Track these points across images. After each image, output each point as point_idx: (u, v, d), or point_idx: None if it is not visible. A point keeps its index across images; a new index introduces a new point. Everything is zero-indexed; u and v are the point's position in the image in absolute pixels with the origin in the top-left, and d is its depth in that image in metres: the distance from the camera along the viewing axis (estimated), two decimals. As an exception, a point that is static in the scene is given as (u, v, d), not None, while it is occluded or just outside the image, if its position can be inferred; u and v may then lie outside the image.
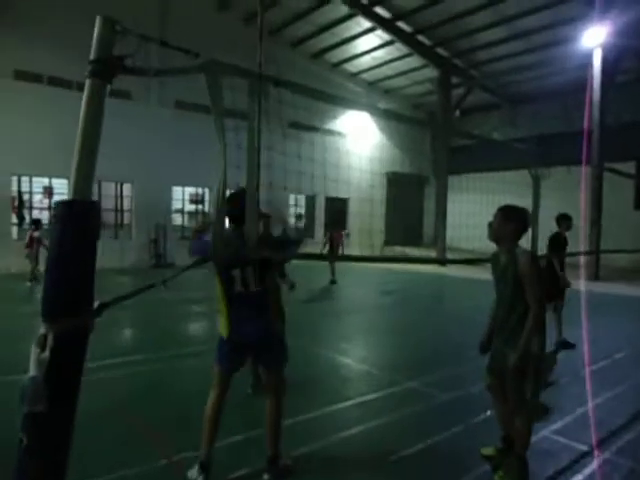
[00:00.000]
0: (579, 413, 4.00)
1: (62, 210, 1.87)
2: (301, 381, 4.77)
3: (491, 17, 15.44)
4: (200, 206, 18.18)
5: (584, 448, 3.35)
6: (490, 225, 3.13)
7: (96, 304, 1.91)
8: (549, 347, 5.36)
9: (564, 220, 6.27)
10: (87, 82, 1.87)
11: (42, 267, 8.94)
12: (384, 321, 8.28)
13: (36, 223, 11.48)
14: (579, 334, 6.36)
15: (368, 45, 18.41)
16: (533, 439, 3.51)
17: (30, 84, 13.52)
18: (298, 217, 20.96)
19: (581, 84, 14.44)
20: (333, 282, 11.95)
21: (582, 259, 12.46)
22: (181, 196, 17.45)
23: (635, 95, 16.25)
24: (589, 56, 13.56)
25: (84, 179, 1.87)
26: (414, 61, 18.93)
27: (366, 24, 16.71)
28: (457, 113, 21.58)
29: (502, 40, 16.77)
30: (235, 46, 11.66)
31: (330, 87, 19.25)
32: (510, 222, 2.92)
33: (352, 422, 3.79)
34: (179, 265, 13.36)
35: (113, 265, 13.78)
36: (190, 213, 18.16)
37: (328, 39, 18.19)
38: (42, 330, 1.80)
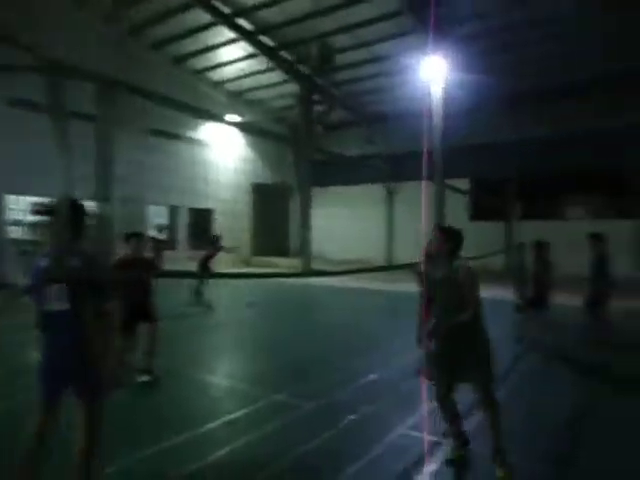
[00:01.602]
0: (430, 407, 4.38)
1: None
2: (165, 405, 4.49)
3: (348, 40, 16.49)
4: (45, 217, 16.11)
5: (434, 439, 3.67)
6: (430, 241, 3.53)
7: None
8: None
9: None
10: None
11: None
12: (251, 334, 8.19)
13: None
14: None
15: (232, 55, 18.32)
16: (390, 437, 3.76)
17: None
18: (159, 229, 19.87)
19: (428, 108, 16.12)
20: (207, 305, 10.47)
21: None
22: (21, 206, 15.28)
23: (470, 121, 18.66)
24: (431, 83, 15.23)
25: None
26: (277, 75, 19.34)
27: (230, 34, 16.63)
28: (320, 128, 22.56)
29: (358, 63, 18.01)
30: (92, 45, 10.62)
31: (193, 95, 18.68)
32: (449, 241, 3.42)
33: (220, 443, 3.65)
34: (17, 285, 11.67)
35: None
36: (33, 225, 16.01)
37: (191, 44, 17.69)
38: None
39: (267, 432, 3.86)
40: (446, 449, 3.46)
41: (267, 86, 20.62)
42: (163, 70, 17.79)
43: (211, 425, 4.01)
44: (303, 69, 18.99)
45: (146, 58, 16.57)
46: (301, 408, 4.39)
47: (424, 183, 13.87)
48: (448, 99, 15.28)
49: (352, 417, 4.15)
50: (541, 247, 7.38)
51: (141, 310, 4.99)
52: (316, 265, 17.67)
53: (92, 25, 15.16)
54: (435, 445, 3.61)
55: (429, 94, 15.04)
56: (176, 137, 18.19)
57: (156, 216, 19.66)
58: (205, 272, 10.52)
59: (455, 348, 3.26)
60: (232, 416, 4.20)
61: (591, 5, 12.98)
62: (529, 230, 17.90)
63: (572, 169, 17.41)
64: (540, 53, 15.88)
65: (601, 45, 14.78)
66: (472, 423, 3.76)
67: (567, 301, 8.34)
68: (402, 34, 15.46)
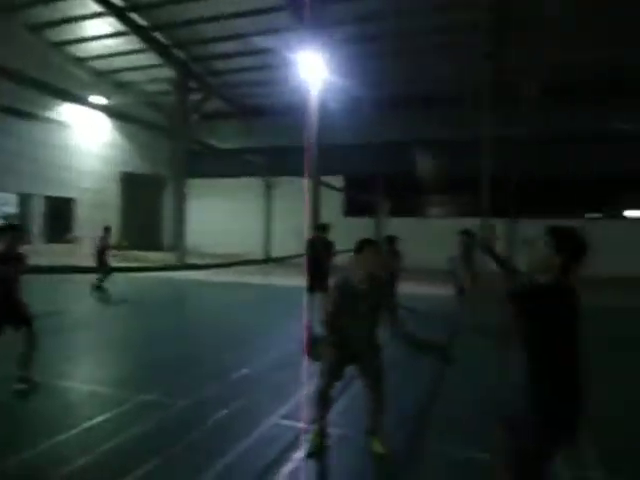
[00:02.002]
0: (301, 397, 4.53)
1: None
2: (17, 414, 4.01)
3: (224, 30, 16.13)
4: None
5: (303, 426, 3.80)
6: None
7: None
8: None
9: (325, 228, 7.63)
10: None
11: None
12: (117, 333, 7.64)
13: None
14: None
15: (98, 30, 16.79)
16: (262, 428, 3.82)
17: None
18: (5, 218, 17.52)
19: (305, 105, 16.49)
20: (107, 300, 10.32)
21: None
22: None
23: (344, 120, 19.48)
24: (310, 82, 15.61)
25: None
26: (150, 58, 18.21)
27: (95, 7, 15.21)
28: (196, 117, 21.79)
29: (236, 54, 17.74)
30: None
31: (51, 69, 16.74)
32: (360, 254, 3.33)
33: (76, 453, 3.35)
34: None
35: None
36: None
37: (47, 12, 15.79)
38: None
39: (134, 434, 3.65)
40: (311, 438, 3.54)
41: (139, 68, 19.32)
42: (17, 38, 15.66)
43: (73, 432, 3.67)
44: (178, 54, 18.16)
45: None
46: (171, 407, 4.22)
47: (303, 178, 14.21)
48: (325, 98, 15.82)
49: (224, 412, 4.12)
50: (391, 241, 8.20)
51: (10, 311, 4.41)
52: (191, 260, 17.09)
53: None
54: (306, 432, 3.74)
55: (307, 91, 15.41)
56: (30, 116, 16.15)
57: (2, 204, 17.30)
58: (103, 266, 10.44)
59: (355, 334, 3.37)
60: (94, 421, 3.88)
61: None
62: (397, 226, 19.37)
63: (434, 172, 19.17)
64: (402, 62, 17.10)
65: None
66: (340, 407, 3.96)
67: (436, 291, 9.15)
68: (282, 29, 15.58)
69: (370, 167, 20.35)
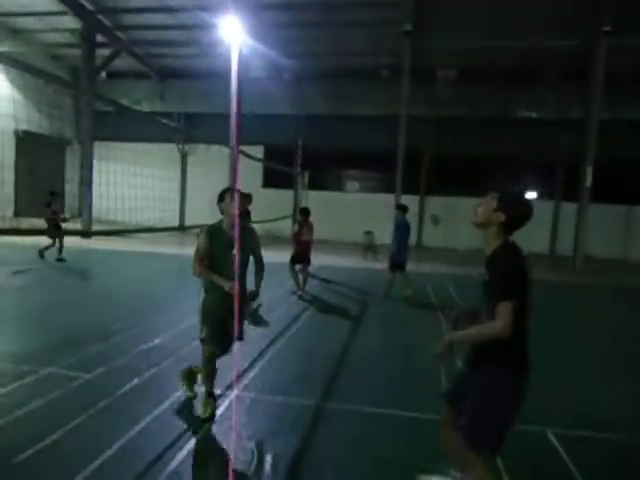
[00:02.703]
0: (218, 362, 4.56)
1: None
2: None
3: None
4: None
5: (217, 391, 3.85)
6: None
7: None
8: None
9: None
10: None
11: None
12: (18, 305, 7.08)
13: None
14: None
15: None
16: (175, 395, 3.81)
17: None
18: None
19: (224, 71, 15.90)
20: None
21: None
22: None
23: (264, 90, 19.09)
24: (230, 47, 15.05)
25: None
26: (51, 3, 16.38)
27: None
28: (103, 75, 20.15)
29: (149, 9, 16.51)
30: None
31: None
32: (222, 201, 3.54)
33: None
34: None
35: None
36: None
37: None
38: None
39: (34, 407, 3.48)
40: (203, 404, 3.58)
41: (38, 14, 17.29)
42: None
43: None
44: (85, 3, 16.55)
45: None
46: (77, 379, 4.06)
47: (221, 146, 13.83)
48: (245, 65, 15.36)
49: (134, 382, 4.04)
50: (304, 212, 8.56)
51: None
52: (98, 228, 16.05)
53: None
54: (218, 397, 3.79)
55: (227, 56, 14.85)
56: None
57: None
58: (58, 231, 10.35)
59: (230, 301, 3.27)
60: (-14, 397, 3.64)
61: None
62: (315, 199, 19.60)
63: (352, 147, 19.52)
64: (324, 34, 17.02)
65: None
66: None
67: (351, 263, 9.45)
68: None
69: (290, 139, 20.26)
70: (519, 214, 2.24)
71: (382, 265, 12.59)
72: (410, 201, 16.19)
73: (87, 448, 3.00)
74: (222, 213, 3.56)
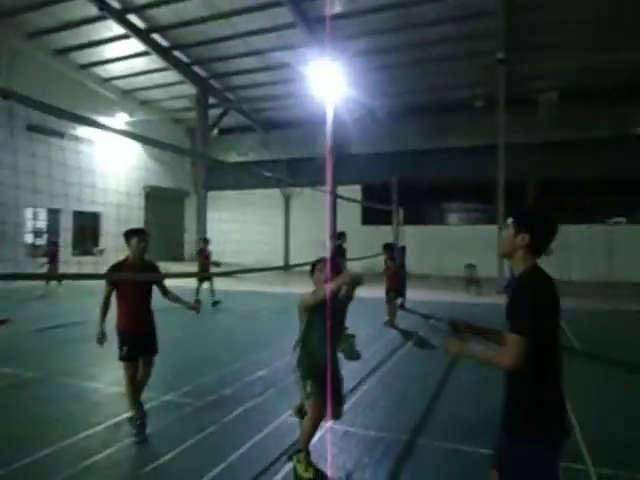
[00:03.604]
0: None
1: None
2: (37, 415, 4.35)
3: (243, 47, 16.69)
4: None
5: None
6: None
7: None
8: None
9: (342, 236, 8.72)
10: None
11: None
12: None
13: None
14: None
15: (122, 52, 17.54)
16: (274, 424, 4.06)
17: None
18: (37, 234, 18.33)
19: (321, 117, 16.91)
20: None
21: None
22: None
23: (359, 131, 19.79)
24: (325, 94, 16.01)
25: None
26: (172, 75, 18.89)
27: (119, 30, 15.94)
28: (215, 132, 22.39)
29: (254, 70, 18.29)
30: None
31: (78, 91, 17.57)
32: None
33: (99, 447, 3.65)
34: None
35: None
36: None
37: (74, 37, 16.61)
38: None
39: (154, 430, 3.94)
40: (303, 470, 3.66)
41: (161, 86, 20.03)
42: (41, 62, 16.48)
43: (98, 428, 4.00)
44: (199, 71, 18.80)
45: (20, 47, 15.25)
46: (189, 406, 4.51)
47: (320, 189, 14.49)
48: (340, 109, 16.17)
49: (239, 410, 4.38)
50: (389, 248, 8.98)
51: None
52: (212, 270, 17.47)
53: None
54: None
55: (323, 104, 15.79)
56: (56, 134, 16.91)
57: (34, 220, 18.10)
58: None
59: None
60: (117, 419, 4.20)
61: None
62: (413, 233, 19.45)
63: (450, 180, 19.23)
64: (416, 72, 17.36)
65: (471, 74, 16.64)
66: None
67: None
68: (297, 45, 16.02)
69: (385, 176, 20.51)
70: (544, 230, 2.01)
71: (488, 299, 12.04)
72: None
73: (195, 467, 3.34)
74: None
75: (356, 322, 9.02)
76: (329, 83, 15.35)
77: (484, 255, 14.02)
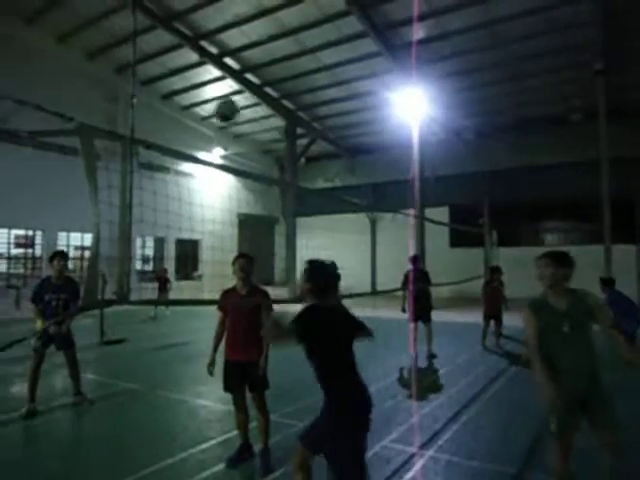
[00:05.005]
0: (410, 422, 4.75)
1: None
2: (156, 427, 4.76)
3: (328, 79, 17.37)
4: (30, 250, 16.34)
5: (413, 450, 4.03)
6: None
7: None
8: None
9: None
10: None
11: None
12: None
13: None
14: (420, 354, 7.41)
15: (218, 92, 19.03)
16: (375, 449, 4.11)
17: None
18: (145, 260, 20.11)
19: (405, 140, 16.99)
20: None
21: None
22: (5, 239, 15.53)
23: (445, 152, 19.54)
24: (410, 118, 16.09)
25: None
26: (262, 110, 20.08)
27: (216, 72, 17.36)
28: (303, 160, 23.26)
29: (339, 99, 18.89)
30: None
31: (181, 129, 19.31)
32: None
33: (216, 460, 3.94)
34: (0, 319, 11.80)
35: None
36: (17, 258, 16.17)
37: (178, 82, 18.39)
38: None
39: (260, 448, 4.17)
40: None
41: (253, 120, 21.33)
42: (151, 107, 18.37)
43: (212, 442, 4.32)
44: (287, 104, 19.78)
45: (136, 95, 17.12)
46: (292, 427, 4.70)
47: (406, 213, 14.45)
48: (426, 131, 16.13)
49: (339, 433, 4.49)
50: (494, 271, 8.70)
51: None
52: (302, 293, 17.95)
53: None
54: (414, 455, 3.96)
55: (408, 127, 15.86)
56: (162, 169, 18.62)
57: (142, 248, 19.90)
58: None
59: None
60: (228, 435, 4.50)
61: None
62: (507, 255, 18.59)
63: (545, 199, 18.23)
64: (506, 89, 16.87)
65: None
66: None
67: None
68: (381, 72, 16.33)
69: (475, 196, 19.94)
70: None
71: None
72: (623, 252, 14.16)
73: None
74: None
75: (452, 348, 8.82)
76: (414, 107, 15.42)
77: (588, 277, 13.02)
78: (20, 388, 5.44)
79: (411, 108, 15.46)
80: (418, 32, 13.42)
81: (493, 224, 19.92)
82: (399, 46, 14.77)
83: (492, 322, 8.72)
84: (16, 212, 14.27)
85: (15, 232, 15.89)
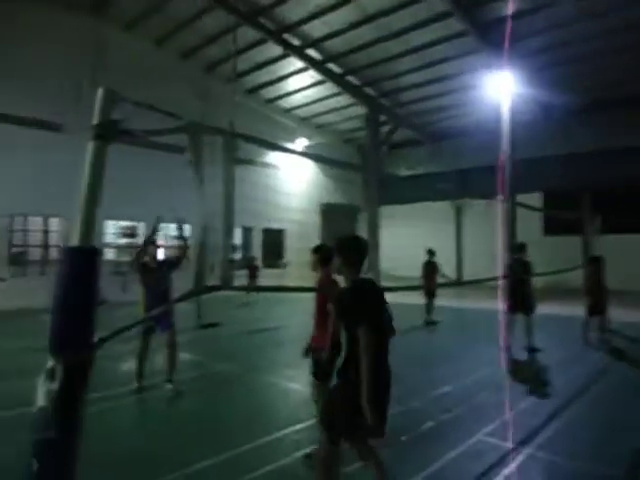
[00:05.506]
0: (506, 417, 4.57)
1: (68, 254, 2.11)
2: (252, 407, 5.02)
3: (413, 62, 16.89)
4: (133, 239, 17.84)
5: (509, 446, 3.88)
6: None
7: (95, 339, 2.15)
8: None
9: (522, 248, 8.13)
10: (91, 144, 2.15)
11: None
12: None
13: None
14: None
15: (301, 83, 19.31)
16: (468, 442, 4.01)
17: None
18: (232, 248, 21.10)
19: (492, 123, 16.13)
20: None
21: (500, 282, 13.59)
22: (113, 230, 17.14)
23: (538, 133, 18.28)
24: (498, 99, 15.22)
25: (87, 227, 2.13)
26: (344, 99, 20.06)
27: (299, 64, 17.60)
28: (385, 148, 22.97)
29: (423, 83, 18.32)
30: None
31: (265, 122, 19.86)
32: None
33: (309, 442, 4.06)
34: (111, 302, 12.95)
35: (40, 303, 13.06)
36: (122, 247, 17.75)
37: (263, 76, 18.90)
38: (50, 363, 2.01)
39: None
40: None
41: (334, 110, 21.42)
42: (236, 101, 19.09)
43: (303, 425, 4.48)
44: (369, 92, 19.58)
45: (219, 91, 17.83)
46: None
47: (496, 198, 13.78)
48: (515, 113, 15.17)
49: (430, 424, 4.44)
50: (595, 262, 8.20)
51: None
52: (384, 283, 17.87)
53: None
54: (511, 452, 3.81)
55: (495, 109, 15.04)
56: (249, 162, 19.30)
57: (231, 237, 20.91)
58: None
59: None
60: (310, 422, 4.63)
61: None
62: (613, 244, 17.07)
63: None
64: (608, 64, 15.36)
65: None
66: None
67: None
68: (467, 54, 15.60)
69: (572, 180, 18.47)
70: None
71: None
72: None
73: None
74: None
75: (551, 342, 8.32)
76: (503, 87, 14.56)
77: None
78: (130, 365, 5.98)
79: (500, 88, 14.62)
80: (506, 8, 12.59)
81: (596, 210, 18.38)
82: (486, 24, 13.99)
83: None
84: (121, 205, 15.61)
85: (121, 223, 17.43)
